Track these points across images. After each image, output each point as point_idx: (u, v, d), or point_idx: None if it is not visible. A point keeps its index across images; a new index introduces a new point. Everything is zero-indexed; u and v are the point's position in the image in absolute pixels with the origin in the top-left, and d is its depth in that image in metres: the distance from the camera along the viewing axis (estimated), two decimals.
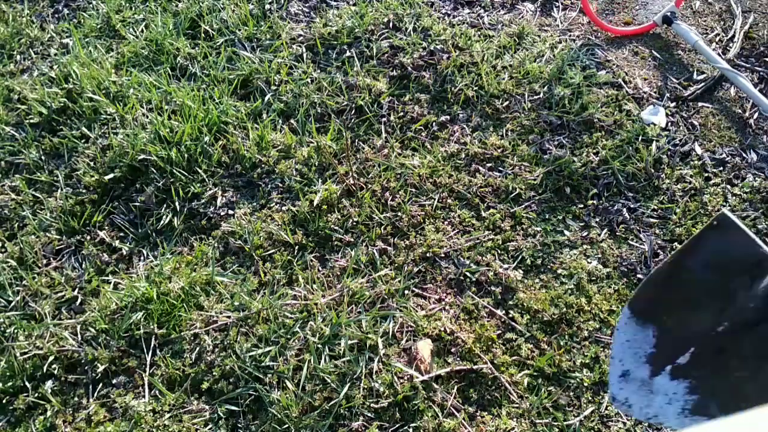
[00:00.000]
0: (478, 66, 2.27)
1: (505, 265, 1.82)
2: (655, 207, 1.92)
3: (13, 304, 1.83)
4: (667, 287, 1.16)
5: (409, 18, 2.47)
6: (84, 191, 2.08)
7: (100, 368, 1.67)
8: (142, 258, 1.92)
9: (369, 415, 1.53)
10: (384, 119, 2.19)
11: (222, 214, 1.98)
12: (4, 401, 1.66)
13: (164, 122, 2.13)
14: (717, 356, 1.09)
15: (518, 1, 2.60)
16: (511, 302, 1.75)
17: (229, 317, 1.72)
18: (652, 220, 1.90)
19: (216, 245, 1.91)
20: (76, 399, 1.65)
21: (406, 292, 1.77)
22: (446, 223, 1.93)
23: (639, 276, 1.77)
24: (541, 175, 2.00)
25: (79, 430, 1.59)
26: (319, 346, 1.63)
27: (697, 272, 1.13)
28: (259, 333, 1.68)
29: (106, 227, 2.00)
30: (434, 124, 2.17)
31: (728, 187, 1.95)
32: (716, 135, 2.11)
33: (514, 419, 1.55)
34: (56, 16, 2.77)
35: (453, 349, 1.66)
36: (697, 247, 1.13)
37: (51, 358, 1.70)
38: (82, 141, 2.21)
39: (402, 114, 2.19)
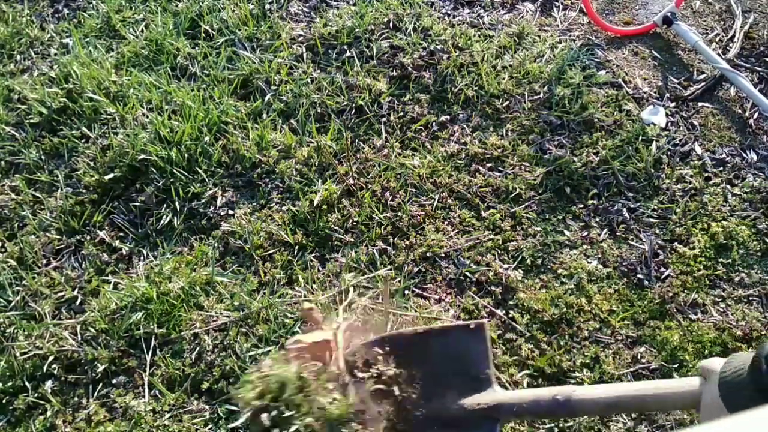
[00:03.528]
0: (478, 66, 2.27)
1: (505, 265, 1.82)
2: (655, 207, 1.92)
3: (13, 304, 1.83)
4: (405, 347, 1.20)
5: (409, 18, 2.47)
6: (84, 191, 2.08)
7: (100, 368, 1.67)
8: (142, 258, 1.92)
9: None
10: (384, 119, 2.19)
11: (222, 214, 1.98)
12: (4, 401, 1.66)
13: (164, 122, 2.13)
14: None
15: (518, 1, 2.60)
16: (511, 302, 1.75)
17: (229, 317, 1.72)
18: (652, 220, 1.90)
19: (216, 245, 1.91)
20: (76, 399, 1.65)
21: (406, 292, 1.77)
22: (446, 223, 1.93)
23: (639, 276, 1.77)
24: (541, 175, 2.00)
25: (79, 430, 1.59)
26: None
27: (433, 354, 1.20)
28: (259, 333, 1.68)
29: (106, 227, 2.00)
30: (434, 124, 2.17)
31: (728, 187, 1.95)
32: (716, 135, 2.11)
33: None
34: (56, 16, 2.76)
35: None
36: (447, 334, 1.24)
37: (51, 358, 1.70)
38: (82, 141, 2.21)
39: (402, 114, 2.19)
